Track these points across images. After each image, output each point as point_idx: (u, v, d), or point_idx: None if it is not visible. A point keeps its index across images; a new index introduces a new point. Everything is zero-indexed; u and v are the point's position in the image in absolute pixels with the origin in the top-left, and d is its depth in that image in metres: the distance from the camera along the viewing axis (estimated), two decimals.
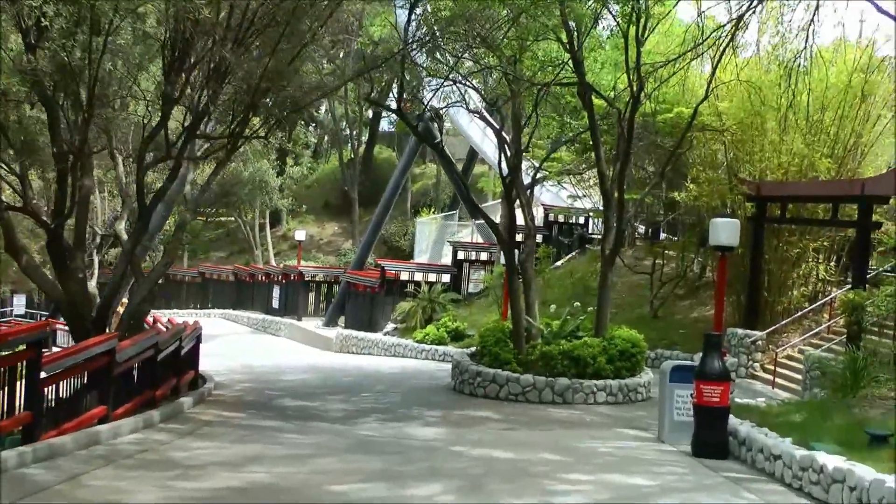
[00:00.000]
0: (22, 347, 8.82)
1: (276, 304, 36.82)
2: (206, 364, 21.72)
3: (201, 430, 11.41)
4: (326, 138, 68.00)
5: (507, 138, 17.05)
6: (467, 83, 16.84)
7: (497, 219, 22.71)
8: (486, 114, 18.79)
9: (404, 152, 35.93)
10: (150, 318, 23.41)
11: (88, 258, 17.28)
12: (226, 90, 13.84)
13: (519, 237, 19.21)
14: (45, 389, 9.14)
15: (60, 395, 9.70)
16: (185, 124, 14.65)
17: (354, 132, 56.64)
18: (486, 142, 35.19)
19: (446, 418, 13.57)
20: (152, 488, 7.65)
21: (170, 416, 12.06)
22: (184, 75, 13.22)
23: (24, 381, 8.55)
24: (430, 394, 16.62)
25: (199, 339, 16.54)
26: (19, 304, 36.30)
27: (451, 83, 16.55)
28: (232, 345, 29.79)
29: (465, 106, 18.46)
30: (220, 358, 24.37)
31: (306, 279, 35.51)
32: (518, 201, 16.36)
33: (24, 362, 8.63)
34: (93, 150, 14.63)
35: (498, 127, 16.96)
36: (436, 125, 31.69)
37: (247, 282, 40.29)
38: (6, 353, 8.64)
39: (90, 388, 10.35)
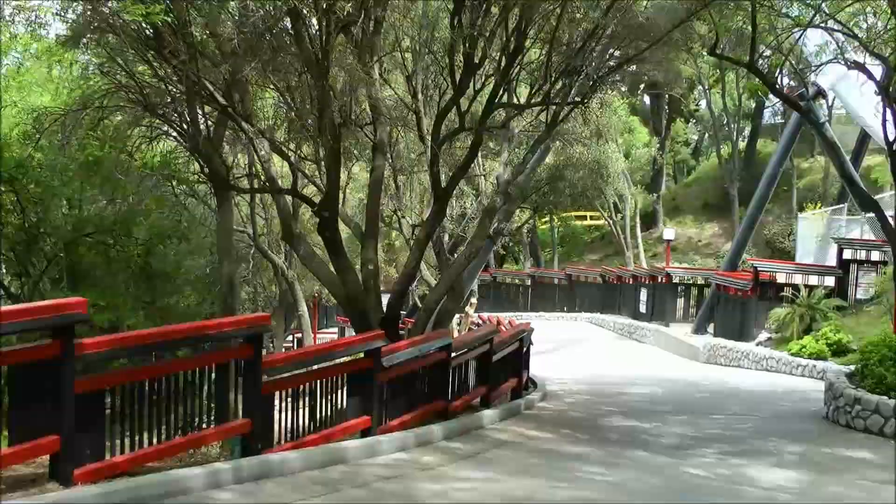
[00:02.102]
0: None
1: (643, 307, 34.88)
2: (555, 371, 20.94)
3: (487, 452, 10.04)
4: (707, 135, 64.73)
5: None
6: (844, 29, 13.69)
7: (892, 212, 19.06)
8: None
9: (780, 139, 32.17)
10: (489, 319, 23.04)
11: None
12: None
13: None
14: (277, 393, 8.39)
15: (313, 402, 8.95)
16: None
17: (734, 126, 52.73)
18: (878, 120, 30.28)
19: (807, 457, 10.89)
20: None
21: (459, 432, 10.89)
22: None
23: (241, 381, 7.74)
24: (796, 421, 13.87)
25: (521, 343, 15.18)
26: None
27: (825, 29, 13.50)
28: (592, 351, 28.56)
29: (841, 61, 15.19)
30: (573, 365, 23.33)
31: (674, 281, 33.12)
32: None
33: (241, 361, 7.81)
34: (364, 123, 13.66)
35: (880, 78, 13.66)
36: (821, 104, 28.01)
37: (613, 284, 38.78)
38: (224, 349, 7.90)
39: (351, 394, 9.48)
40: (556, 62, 13.22)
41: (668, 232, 37.53)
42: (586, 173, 17.04)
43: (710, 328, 28.84)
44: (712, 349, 25.77)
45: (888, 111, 13.72)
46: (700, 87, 55.85)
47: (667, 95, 56.63)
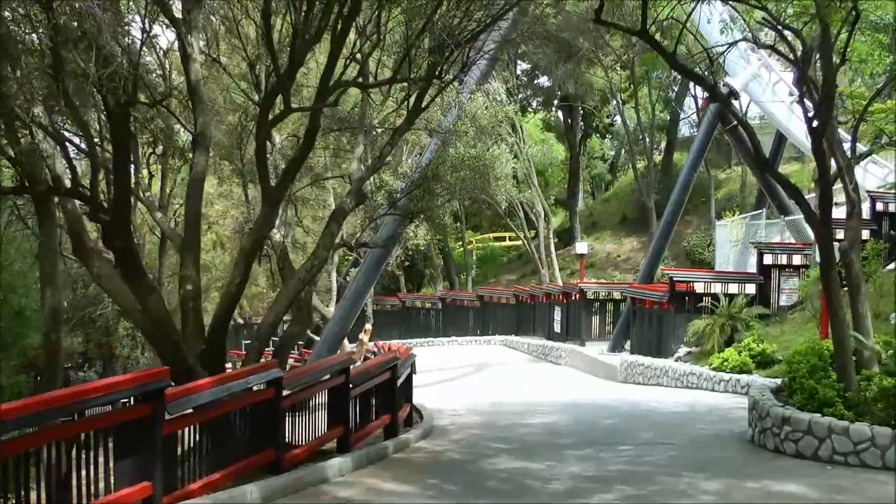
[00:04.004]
0: None
1: (557, 327, 32.77)
2: (454, 400, 18.63)
3: None
4: (623, 150, 63.65)
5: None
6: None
7: (809, 230, 17.13)
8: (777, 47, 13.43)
9: (694, 142, 30.58)
10: (386, 347, 20.64)
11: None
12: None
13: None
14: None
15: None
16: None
17: (649, 139, 51.52)
18: (793, 121, 28.92)
19: (728, 498, 8.62)
20: None
21: (289, 491, 8.44)
22: None
23: None
24: (716, 447, 11.68)
25: (394, 372, 12.65)
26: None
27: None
28: (500, 376, 26.29)
29: (750, 39, 13.23)
30: (476, 393, 21.05)
31: (589, 297, 31.06)
32: (833, 161, 10.98)
33: None
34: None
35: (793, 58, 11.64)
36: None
37: (527, 304, 36.67)
38: None
39: (120, 456, 6.93)
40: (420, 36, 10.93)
41: (581, 246, 35.54)
42: (468, 174, 14.78)
43: (628, 345, 26.81)
44: (629, 367, 23.70)
45: (799, 86, 11.74)
46: (614, 102, 54.68)
47: (581, 111, 55.44)
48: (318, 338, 24.78)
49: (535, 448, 11.97)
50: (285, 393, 9.38)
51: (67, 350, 29.36)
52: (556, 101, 58.09)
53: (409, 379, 14.58)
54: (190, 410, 7.97)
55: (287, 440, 9.81)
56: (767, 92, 28.99)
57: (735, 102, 29.63)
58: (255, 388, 9.11)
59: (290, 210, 15.22)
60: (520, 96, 52.63)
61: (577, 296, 31.21)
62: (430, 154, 17.37)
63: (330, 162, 19.28)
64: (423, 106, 11.51)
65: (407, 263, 44.35)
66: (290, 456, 9.38)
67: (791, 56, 12.05)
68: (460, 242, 54.95)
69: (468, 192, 15.19)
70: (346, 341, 24.41)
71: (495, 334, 38.01)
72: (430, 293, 49.07)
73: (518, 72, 55.93)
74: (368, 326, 26.35)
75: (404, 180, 15.86)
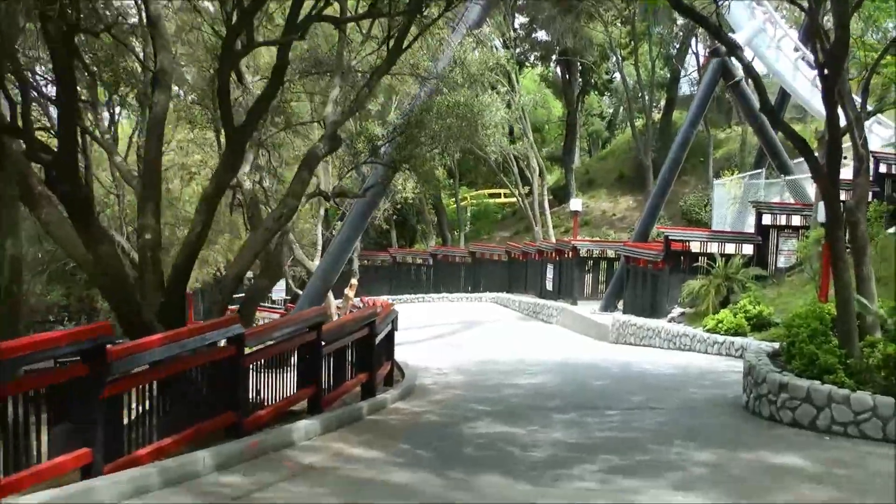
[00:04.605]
0: None
1: (549, 285, 32.14)
2: (440, 359, 18.21)
3: (268, 490, 6.99)
4: (622, 108, 62.57)
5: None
6: None
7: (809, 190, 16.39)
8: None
9: (693, 101, 29.71)
10: (371, 302, 19.98)
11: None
12: None
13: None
14: None
15: None
16: None
17: (649, 96, 50.52)
18: (798, 78, 28.08)
19: (722, 470, 8.03)
20: None
21: (247, 456, 7.85)
22: None
23: None
24: (709, 413, 11.10)
25: (372, 329, 12.00)
26: (279, 288, 34.00)
27: None
28: (490, 334, 25.74)
29: None
30: (464, 351, 20.57)
31: (582, 255, 30.39)
32: (843, 112, 10.24)
33: None
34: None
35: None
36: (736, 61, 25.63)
37: (519, 261, 36.01)
38: None
39: (57, 420, 6.33)
40: None
41: (575, 203, 34.72)
42: (454, 121, 13.99)
43: (621, 305, 26.22)
44: (621, 327, 23.14)
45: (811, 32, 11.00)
46: (614, 59, 53.57)
47: (579, 66, 54.36)
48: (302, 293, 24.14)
49: (520, 411, 11.41)
50: (249, 350, 8.75)
51: (48, 304, 28.76)
52: (554, 57, 56.90)
53: (390, 335, 13.99)
54: (141, 369, 7.34)
55: (255, 400, 9.22)
56: (772, 48, 28.08)
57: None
58: (217, 345, 8.47)
59: (263, 156, 14.39)
60: (517, 50, 51.39)
61: (570, 253, 30.54)
62: (420, 102, 16.57)
63: (310, 108, 18.42)
64: (404, 46, 10.72)
65: (396, 218, 43.46)
66: (254, 418, 8.78)
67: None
68: (454, 198, 54.23)
69: (454, 140, 14.38)
70: (331, 297, 23.77)
71: (487, 291, 37.38)
72: (423, 249, 48.40)
73: (516, 25, 54.74)
74: (354, 282, 25.69)
75: (389, 129, 15.05)
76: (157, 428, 7.44)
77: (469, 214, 56.22)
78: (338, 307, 24.00)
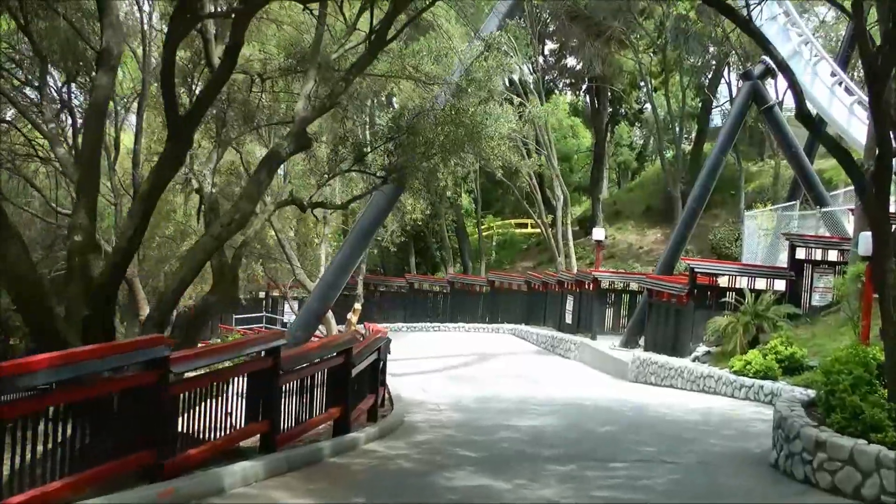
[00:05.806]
0: None
1: (568, 318, 30.55)
2: (443, 392, 17.09)
3: None
4: (652, 139, 61.03)
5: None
6: None
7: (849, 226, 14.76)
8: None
9: (724, 126, 28.19)
10: (371, 328, 18.55)
11: None
12: None
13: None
14: None
15: None
16: None
17: (678, 126, 48.94)
18: (835, 105, 26.46)
19: None
20: None
21: None
22: None
23: None
24: (730, 472, 9.51)
25: (347, 358, 10.54)
26: (287, 310, 32.56)
27: None
28: (502, 369, 24.25)
29: None
30: (471, 386, 19.20)
31: (603, 287, 28.78)
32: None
33: None
34: None
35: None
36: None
37: (539, 292, 34.45)
38: None
39: None
40: None
41: (598, 232, 33.19)
42: (453, 129, 12.60)
43: (642, 341, 24.58)
44: (641, 365, 21.53)
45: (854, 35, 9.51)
46: (644, 89, 52.13)
47: (609, 94, 53.02)
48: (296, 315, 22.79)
49: (510, 459, 9.86)
50: (179, 377, 7.33)
51: None
52: (584, 85, 55.59)
53: (375, 365, 12.54)
54: (18, 396, 5.94)
55: (195, 437, 7.80)
56: (808, 71, 26.54)
57: (771, 85, 27.34)
58: (135, 370, 7.06)
59: (224, 155, 13.03)
60: (546, 77, 50.06)
61: (591, 285, 28.96)
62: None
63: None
64: (388, 38, 9.36)
65: (419, 244, 42.13)
66: (182, 458, 7.33)
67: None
68: (475, 225, 52.99)
69: (452, 150, 12.94)
70: (333, 321, 22.38)
71: (504, 322, 35.87)
72: (441, 276, 47.08)
73: (545, 52, 53.45)
74: (357, 306, 24.38)
75: (381, 137, 13.64)
76: (42, 470, 6.02)
77: (494, 244, 54.89)
78: (339, 332, 22.68)
